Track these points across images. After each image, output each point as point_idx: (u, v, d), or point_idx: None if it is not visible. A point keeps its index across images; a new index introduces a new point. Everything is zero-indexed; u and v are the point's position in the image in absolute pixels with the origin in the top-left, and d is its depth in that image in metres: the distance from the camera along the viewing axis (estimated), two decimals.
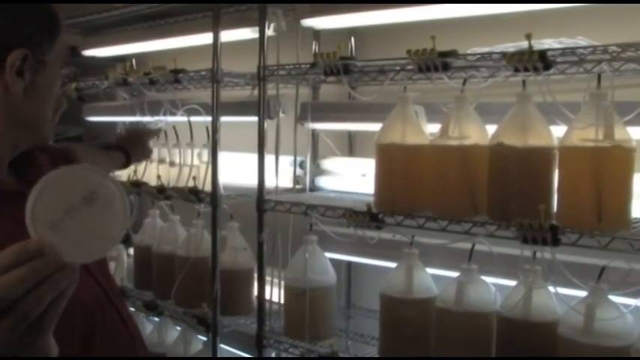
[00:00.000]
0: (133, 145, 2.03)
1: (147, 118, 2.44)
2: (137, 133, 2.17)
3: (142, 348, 1.13)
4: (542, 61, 1.34)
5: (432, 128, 1.60)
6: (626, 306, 1.38)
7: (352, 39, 2.17)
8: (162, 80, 2.17)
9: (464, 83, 1.52)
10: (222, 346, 2.14)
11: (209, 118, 2.07)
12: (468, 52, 1.49)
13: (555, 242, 1.33)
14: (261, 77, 1.92)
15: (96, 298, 1.03)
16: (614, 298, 1.39)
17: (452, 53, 1.48)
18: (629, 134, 1.32)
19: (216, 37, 2.04)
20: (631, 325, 1.36)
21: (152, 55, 2.44)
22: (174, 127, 2.35)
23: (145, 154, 2.10)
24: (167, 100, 2.26)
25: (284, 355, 1.97)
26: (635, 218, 1.36)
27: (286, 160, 2.13)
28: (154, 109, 2.37)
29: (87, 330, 0.99)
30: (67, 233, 0.74)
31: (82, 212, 0.76)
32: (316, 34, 2.17)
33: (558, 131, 1.40)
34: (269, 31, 1.97)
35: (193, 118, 2.23)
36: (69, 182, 0.77)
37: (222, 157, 2.07)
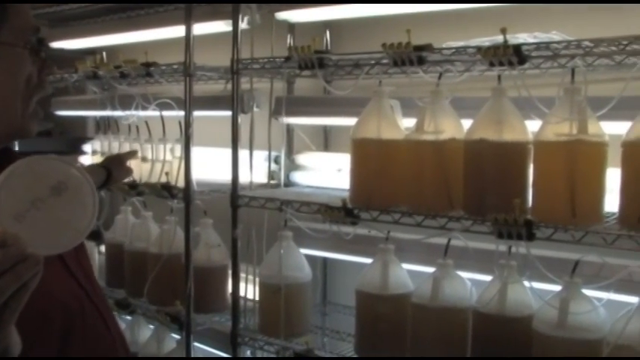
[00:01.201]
0: (113, 163, 2.07)
1: (118, 113, 2.40)
2: (116, 155, 2.21)
3: (123, 349, 1.11)
4: (517, 55, 1.34)
5: (408, 123, 1.60)
6: (599, 299, 1.39)
7: (327, 32, 2.15)
8: (133, 74, 2.13)
9: (439, 77, 1.51)
10: (196, 344, 2.11)
11: (182, 113, 2.04)
12: (444, 46, 1.48)
13: (530, 237, 1.33)
14: (234, 71, 1.89)
15: (76, 299, 1.00)
16: (588, 292, 1.40)
17: (427, 47, 1.47)
18: (602, 129, 1.33)
19: (188, 30, 2.01)
20: (603, 318, 1.38)
21: (123, 48, 2.40)
22: (146, 122, 2.32)
23: (125, 172, 2.12)
24: (139, 94, 2.23)
25: (259, 352, 1.95)
26: (608, 212, 1.36)
27: (260, 155, 2.11)
28: (125, 103, 2.33)
29: (65, 330, 0.96)
30: (33, 224, 0.72)
31: (49, 203, 0.73)
32: (291, 27, 2.15)
33: (533, 126, 1.40)
34: (243, 24, 1.95)
35: (165, 113, 2.20)
36: (36, 172, 0.74)
37: (196, 152, 2.04)
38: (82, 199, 0.76)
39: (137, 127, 2.34)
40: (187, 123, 2.02)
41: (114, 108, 2.40)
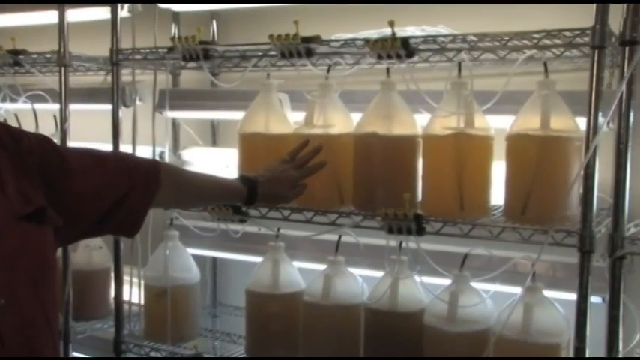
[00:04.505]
0: (271, 184, 1.35)
1: None
2: (285, 175, 1.37)
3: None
4: (404, 48, 1.34)
5: (297, 117, 1.57)
6: (487, 291, 1.42)
7: (214, 23, 2.09)
8: None
9: (328, 70, 1.49)
10: (75, 354, 2.00)
11: (57, 106, 1.93)
12: (332, 38, 1.45)
13: (420, 232, 1.34)
14: (114, 62, 1.80)
15: None
16: (476, 284, 1.42)
17: (315, 39, 1.44)
18: (488, 123, 1.35)
19: (62, 16, 1.89)
20: (490, 309, 1.41)
21: None
22: (15, 116, 2.15)
23: (280, 199, 1.41)
24: (6, 84, 2.08)
25: None
26: (495, 205, 1.39)
27: (144, 151, 1.99)
28: None
29: None
30: None
31: None
32: (175, 16, 2.08)
33: (422, 120, 1.41)
34: (123, 12, 1.86)
35: (38, 106, 2.07)
36: None
37: None
38: None
39: (6, 121, 2.15)
40: (63, 117, 1.91)
41: None
